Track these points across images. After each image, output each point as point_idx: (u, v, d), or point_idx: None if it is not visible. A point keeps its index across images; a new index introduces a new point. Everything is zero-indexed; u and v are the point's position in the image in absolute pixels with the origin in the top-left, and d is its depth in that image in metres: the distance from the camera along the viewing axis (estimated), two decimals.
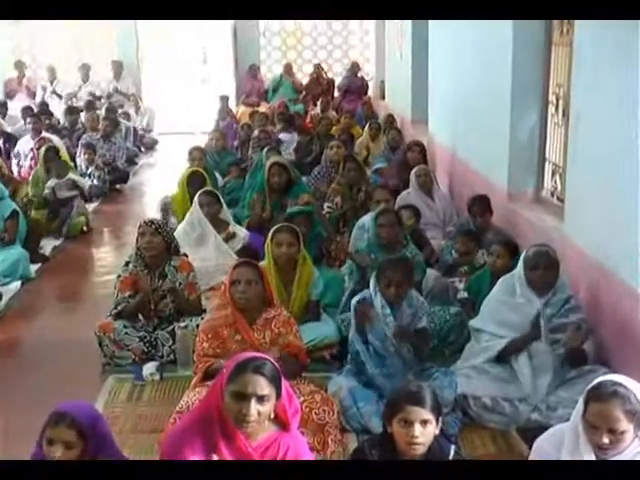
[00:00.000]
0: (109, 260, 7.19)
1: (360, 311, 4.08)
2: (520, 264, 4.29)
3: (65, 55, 15.46)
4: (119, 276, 4.96)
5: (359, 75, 14.82)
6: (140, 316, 4.92)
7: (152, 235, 4.88)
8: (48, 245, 7.34)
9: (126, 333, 4.77)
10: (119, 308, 4.88)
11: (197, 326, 4.47)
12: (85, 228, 7.99)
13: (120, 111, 12.83)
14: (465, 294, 5.15)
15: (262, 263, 4.76)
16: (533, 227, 5.42)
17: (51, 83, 14.17)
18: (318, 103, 12.87)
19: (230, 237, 6.40)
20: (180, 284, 4.94)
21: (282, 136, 10.21)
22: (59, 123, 11.69)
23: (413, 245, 5.42)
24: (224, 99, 13.03)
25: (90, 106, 12.25)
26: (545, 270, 4.18)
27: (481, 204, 5.89)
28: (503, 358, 4.18)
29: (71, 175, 8.20)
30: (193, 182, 6.92)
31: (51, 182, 8.02)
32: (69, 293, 6.49)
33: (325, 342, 4.75)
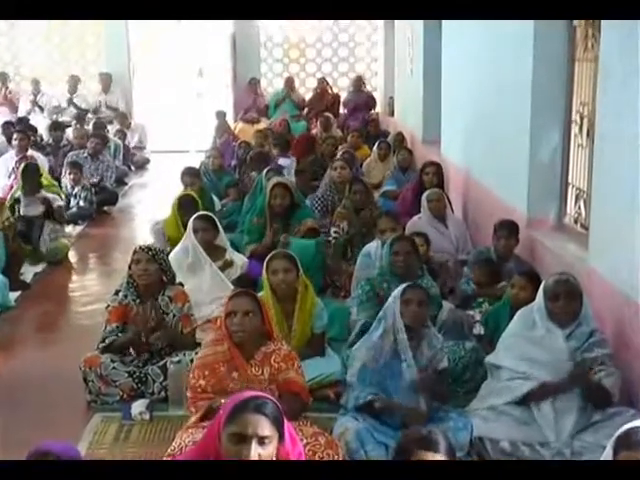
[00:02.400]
0: (95, 288, 7.18)
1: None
2: (540, 294, 4.28)
3: (50, 67, 15.59)
4: (108, 306, 4.96)
5: (364, 90, 14.86)
6: (131, 350, 4.89)
7: (148, 262, 4.87)
8: (29, 271, 7.32)
9: (114, 368, 4.75)
10: (107, 341, 4.86)
11: (191, 361, 4.46)
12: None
13: (116, 129, 12.90)
14: (481, 328, 5.14)
15: (261, 294, 4.77)
16: (554, 256, 5.42)
17: (35, 96, 14.25)
18: (319, 121, 12.86)
19: (227, 265, 6.35)
20: (174, 316, 4.93)
21: (281, 161, 10.07)
22: (42, 139, 11.72)
23: (429, 276, 5.43)
24: (221, 115, 13.09)
25: (78, 121, 12.31)
26: (567, 300, 4.18)
27: (509, 229, 5.79)
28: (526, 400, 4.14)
29: (43, 192, 7.93)
30: (184, 206, 6.89)
31: (23, 201, 7.75)
32: (51, 323, 6.48)
33: (330, 379, 4.73)
